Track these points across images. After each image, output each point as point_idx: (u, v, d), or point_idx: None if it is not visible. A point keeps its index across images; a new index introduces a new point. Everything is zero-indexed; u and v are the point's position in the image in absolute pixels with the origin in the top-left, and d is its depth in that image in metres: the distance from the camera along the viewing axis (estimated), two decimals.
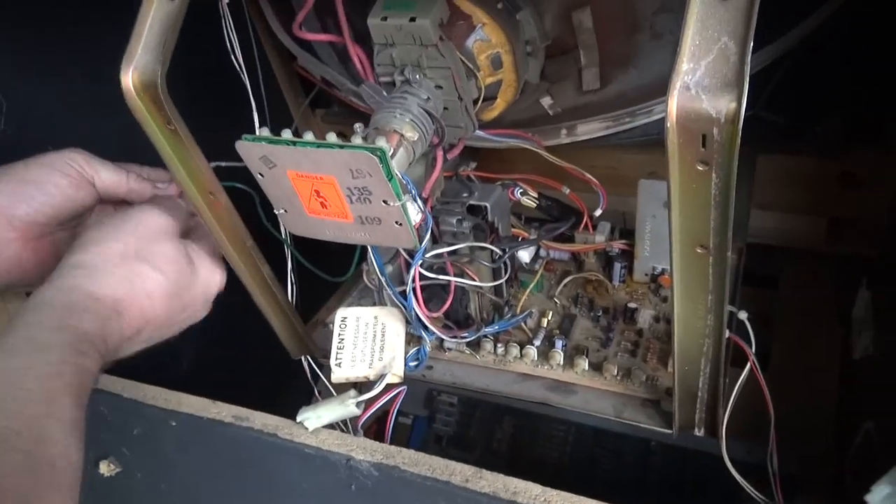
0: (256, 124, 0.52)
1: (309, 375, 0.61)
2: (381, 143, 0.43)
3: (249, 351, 0.71)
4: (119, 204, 0.56)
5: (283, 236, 0.55)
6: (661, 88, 0.59)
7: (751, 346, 0.49)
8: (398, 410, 1.04)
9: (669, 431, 0.50)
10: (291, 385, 0.71)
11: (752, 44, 0.30)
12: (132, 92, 0.41)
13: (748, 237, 0.70)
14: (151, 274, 0.48)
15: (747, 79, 0.30)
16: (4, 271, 0.51)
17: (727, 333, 0.50)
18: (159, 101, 0.42)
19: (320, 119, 0.90)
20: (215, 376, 0.77)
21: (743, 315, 0.52)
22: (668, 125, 0.32)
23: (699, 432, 0.49)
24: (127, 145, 0.49)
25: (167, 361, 0.76)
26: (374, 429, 1.02)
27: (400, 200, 0.44)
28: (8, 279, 0.52)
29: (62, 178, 0.52)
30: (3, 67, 0.57)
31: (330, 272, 0.59)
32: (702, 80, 0.31)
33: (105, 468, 0.61)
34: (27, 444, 0.36)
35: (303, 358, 0.61)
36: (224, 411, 0.53)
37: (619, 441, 0.87)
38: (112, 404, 0.56)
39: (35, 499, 0.35)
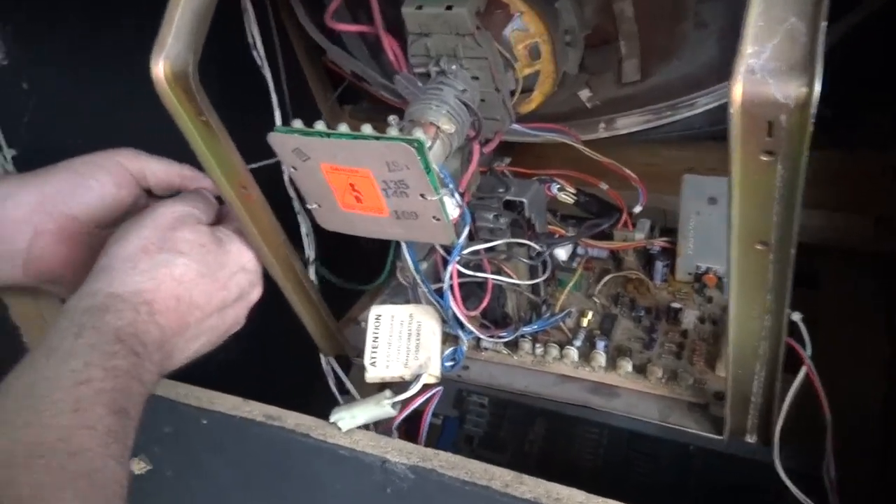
0: (277, 118, 0.51)
1: (341, 374, 0.59)
2: (419, 134, 0.41)
3: (282, 348, 0.69)
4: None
5: (306, 254, 0.54)
6: (705, 80, 0.57)
7: (805, 349, 0.47)
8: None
9: (720, 437, 0.47)
10: (324, 383, 0.70)
11: (825, 23, 0.28)
12: (163, 82, 0.40)
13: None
14: (175, 259, 0.46)
15: (821, 62, 0.28)
16: (34, 262, 0.50)
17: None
18: (191, 91, 0.40)
19: (348, 114, 0.89)
20: (247, 373, 0.76)
21: (796, 316, 0.49)
22: (732, 111, 0.30)
23: (751, 439, 0.46)
24: (162, 139, 0.48)
25: (199, 359, 0.75)
26: (404, 429, 1.01)
27: (438, 194, 0.43)
28: (36, 270, 0.51)
29: (105, 175, 0.51)
30: (32, 59, 0.56)
31: (358, 275, 0.58)
32: (768, 64, 0.29)
33: (136, 466, 0.60)
34: (60, 457, 0.35)
35: (331, 359, 0.59)
36: (256, 410, 0.52)
37: (656, 445, 0.84)
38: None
39: None
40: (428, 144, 0.45)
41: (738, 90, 0.29)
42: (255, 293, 0.51)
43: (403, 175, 0.42)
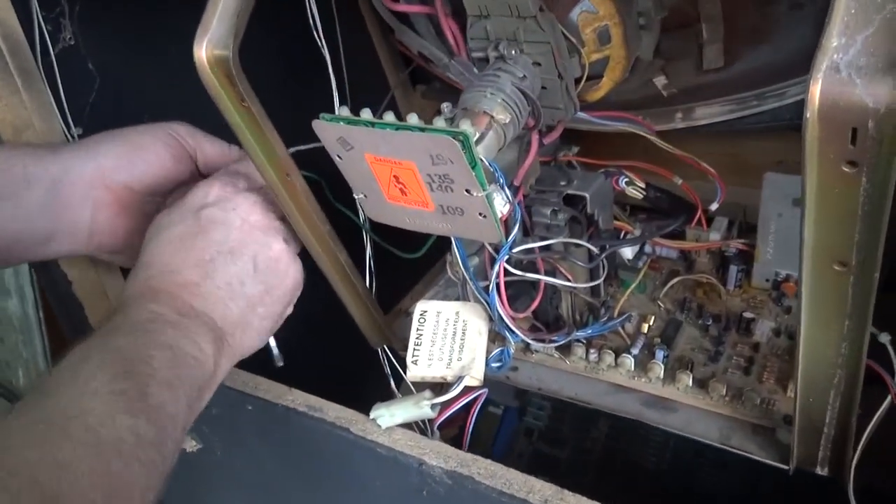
0: (336, 102, 0.49)
1: (387, 367, 0.58)
2: (466, 126, 0.38)
3: (337, 337, 0.69)
4: None
5: (362, 220, 0.52)
6: (797, 67, 0.51)
7: (893, 375, 0.42)
8: (487, 399, 1.02)
9: (785, 467, 0.43)
10: (378, 373, 0.69)
11: None
12: (206, 67, 0.39)
13: None
14: (216, 231, 0.45)
15: None
16: (96, 235, 0.51)
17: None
18: (232, 76, 0.39)
19: (420, 95, 0.87)
20: (302, 359, 0.76)
21: (885, 338, 0.44)
22: (808, 115, 0.26)
23: (821, 471, 0.42)
24: (223, 123, 0.48)
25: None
26: (463, 417, 0.99)
27: (484, 191, 0.40)
28: (99, 243, 0.52)
29: (164, 148, 0.51)
30: (98, 42, 0.57)
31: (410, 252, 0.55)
32: (856, 60, 0.25)
33: (187, 444, 0.61)
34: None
35: (379, 350, 0.58)
36: (299, 399, 0.52)
37: (724, 455, 0.79)
38: None
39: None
40: (476, 136, 0.42)
41: (816, 90, 0.25)
42: (294, 270, 0.49)
43: (448, 169, 0.40)
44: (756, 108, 0.57)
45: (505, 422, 0.97)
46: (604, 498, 0.41)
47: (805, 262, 0.31)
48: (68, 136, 0.56)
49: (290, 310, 0.51)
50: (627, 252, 0.58)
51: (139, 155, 0.51)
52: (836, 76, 0.25)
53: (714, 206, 0.56)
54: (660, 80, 0.56)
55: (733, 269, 0.55)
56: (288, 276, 0.48)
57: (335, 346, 0.73)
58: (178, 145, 0.52)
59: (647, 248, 0.59)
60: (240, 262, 0.46)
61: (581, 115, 0.52)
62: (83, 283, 0.59)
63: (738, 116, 0.58)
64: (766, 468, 0.45)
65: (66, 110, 0.56)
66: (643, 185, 0.55)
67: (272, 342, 0.53)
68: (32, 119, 0.54)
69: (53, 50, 0.54)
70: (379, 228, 0.51)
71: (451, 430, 0.96)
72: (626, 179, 0.55)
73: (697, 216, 0.57)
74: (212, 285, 0.45)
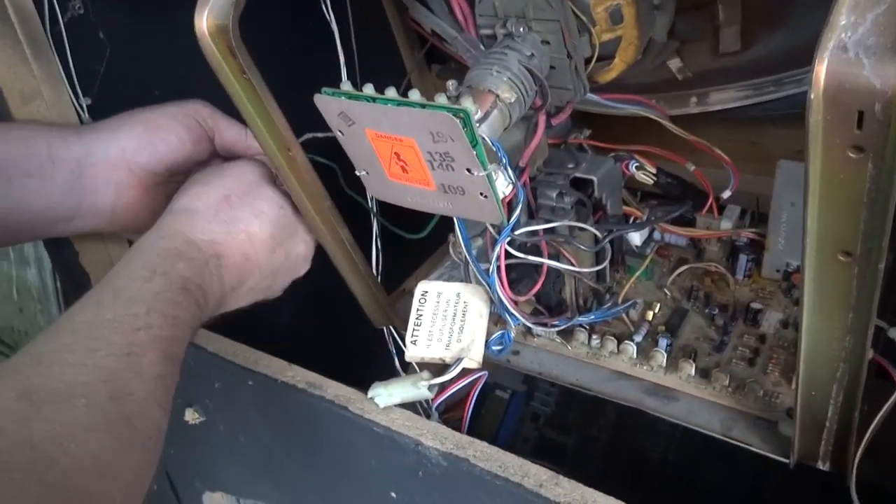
0: (344, 75, 0.49)
1: (392, 347, 0.57)
2: (467, 103, 0.38)
3: (344, 316, 0.69)
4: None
5: (369, 203, 0.52)
6: None
7: None
8: (495, 383, 1.02)
9: (786, 460, 0.42)
10: (385, 353, 0.69)
11: None
12: (206, 37, 0.38)
13: None
14: (252, 218, 0.47)
15: None
16: (119, 216, 0.52)
17: (870, 354, 0.42)
18: (233, 47, 0.39)
19: (436, 75, 0.86)
20: (310, 337, 0.77)
21: (894, 333, 0.43)
22: (813, 97, 0.25)
23: (823, 466, 0.41)
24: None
25: (264, 315, 0.76)
26: (468, 401, 0.99)
27: (485, 170, 0.39)
28: (121, 224, 0.52)
29: (184, 130, 0.52)
30: (107, 11, 0.57)
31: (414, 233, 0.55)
32: (865, 39, 0.24)
33: (190, 416, 0.61)
34: (103, 399, 0.35)
35: (384, 330, 0.58)
36: (299, 376, 0.52)
37: (731, 447, 0.78)
38: (197, 356, 0.56)
39: (109, 457, 0.34)
40: (478, 115, 0.41)
41: (822, 71, 0.24)
42: (304, 268, 0.51)
43: (448, 147, 0.39)
44: (773, 94, 0.55)
45: (511, 406, 0.97)
46: (609, 486, 0.41)
47: (808, 252, 0.30)
48: (76, 105, 0.56)
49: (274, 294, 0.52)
50: (636, 238, 0.56)
51: (160, 136, 0.51)
52: (843, 56, 0.24)
53: (726, 194, 0.55)
54: (674, 63, 0.54)
55: (743, 258, 0.53)
56: (296, 272, 0.50)
57: (343, 326, 0.73)
58: (198, 126, 0.52)
59: (656, 235, 0.58)
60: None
61: (591, 96, 0.51)
62: (90, 253, 0.59)
63: (755, 102, 0.57)
64: (772, 462, 0.45)
65: (75, 79, 0.56)
66: (654, 171, 0.54)
67: None
68: (41, 88, 0.54)
69: (63, 19, 0.54)
70: (385, 207, 0.51)
71: (458, 413, 0.96)
72: (636, 164, 0.54)
73: (709, 203, 0.56)
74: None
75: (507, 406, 0.97)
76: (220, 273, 0.45)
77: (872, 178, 0.26)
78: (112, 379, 0.36)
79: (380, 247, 0.54)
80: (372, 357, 0.60)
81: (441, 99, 0.39)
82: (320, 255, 0.53)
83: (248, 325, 0.55)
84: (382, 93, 0.40)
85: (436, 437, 0.45)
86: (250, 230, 0.46)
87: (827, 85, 0.24)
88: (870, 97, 0.24)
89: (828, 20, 0.24)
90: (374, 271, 0.55)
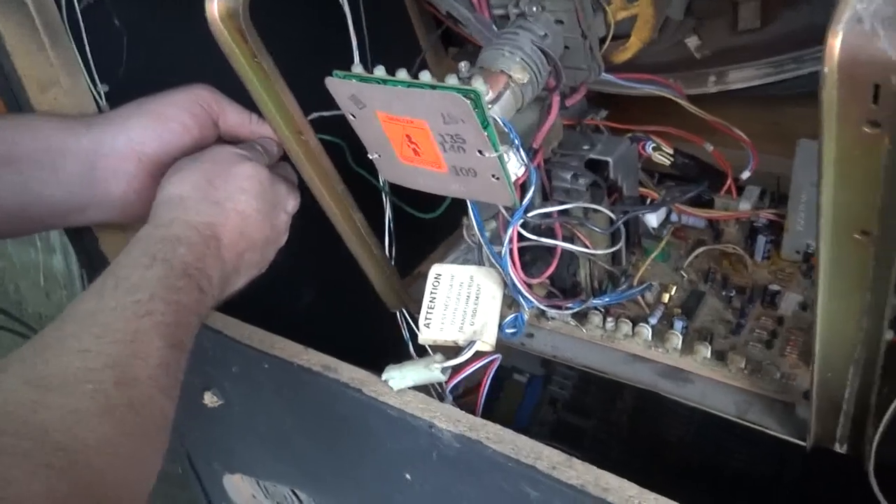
0: (356, 57, 0.49)
1: (405, 331, 0.58)
2: (478, 84, 0.37)
3: (360, 299, 0.69)
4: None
5: (381, 183, 0.52)
6: None
7: None
8: (513, 367, 1.02)
9: (802, 443, 0.42)
10: (399, 335, 0.69)
11: None
12: (217, 21, 0.39)
13: None
14: (238, 195, 0.47)
15: None
16: (130, 205, 0.52)
17: (890, 335, 0.41)
18: (243, 31, 0.39)
19: (452, 58, 0.85)
20: (326, 319, 0.77)
21: None
22: (827, 70, 0.24)
23: (840, 449, 0.41)
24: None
25: (286, 300, 0.77)
26: (483, 383, 0.99)
27: (496, 151, 0.39)
28: (133, 213, 0.53)
29: (190, 118, 0.52)
30: None
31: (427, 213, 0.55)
32: (882, 9, 0.23)
33: (209, 399, 0.62)
34: (109, 386, 0.36)
35: (398, 314, 0.58)
36: (314, 359, 0.52)
37: (752, 432, 0.78)
38: (214, 340, 0.56)
39: (115, 442, 0.35)
40: (492, 96, 0.41)
41: (836, 43, 0.23)
42: (285, 237, 0.52)
43: (459, 129, 0.39)
44: (794, 71, 0.54)
45: (529, 390, 0.97)
46: (627, 470, 0.41)
47: (823, 232, 0.29)
48: (94, 92, 0.57)
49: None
50: (653, 220, 0.56)
51: (167, 126, 0.52)
52: (858, 27, 0.23)
53: (746, 175, 0.54)
54: (692, 41, 0.53)
55: (762, 239, 0.53)
56: (279, 242, 0.51)
57: (359, 309, 0.73)
58: (203, 112, 0.53)
59: (673, 217, 0.57)
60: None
61: (607, 76, 0.50)
62: (109, 239, 0.60)
63: (775, 80, 0.56)
64: (792, 446, 0.44)
65: (93, 67, 0.56)
66: (671, 152, 0.53)
67: None
68: (59, 75, 0.55)
69: (79, 6, 0.54)
70: (398, 191, 0.51)
71: (475, 397, 0.96)
72: (653, 145, 0.53)
73: (727, 184, 0.55)
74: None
75: (524, 390, 0.97)
76: (221, 254, 0.46)
77: (889, 153, 0.25)
78: (117, 365, 0.36)
79: (392, 228, 0.54)
80: (387, 341, 0.61)
81: (452, 80, 0.38)
82: (335, 240, 0.54)
83: (267, 310, 0.56)
84: (394, 75, 0.40)
85: (449, 420, 0.46)
86: (239, 208, 0.47)
87: (841, 58, 0.23)
88: (886, 70, 0.23)
89: None
90: (388, 252, 0.56)
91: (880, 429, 0.39)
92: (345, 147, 0.52)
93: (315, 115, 0.49)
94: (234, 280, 0.48)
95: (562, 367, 0.97)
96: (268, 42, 0.44)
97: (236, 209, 0.47)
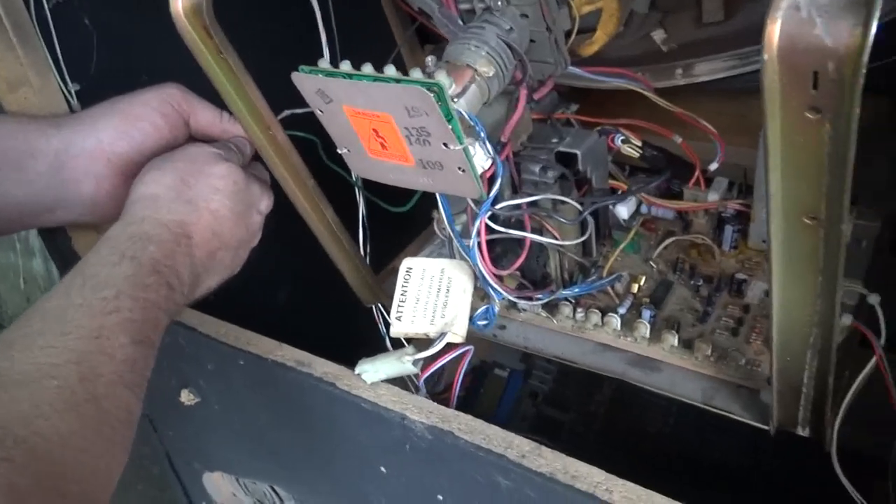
0: (326, 53, 0.49)
1: (381, 326, 0.58)
2: (441, 77, 0.38)
3: (336, 293, 0.70)
4: None
5: (354, 179, 0.52)
6: None
7: (879, 337, 0.41)
8: (494, 362, 1.02)
9: (766, 427, 0.43)
10: (375, 330, 0.69)
11: None
12: (181, 17, 0.39)
13: None
14: (212, 195, 0.47)
15: None
16: (101, 206, 0.52)
17: (849, 321, 0.42)
18: (208, 27, 0.39)
19: (427, 55, 0.85)
20: (303, 315, 0.77)
21: (874, 299, 0.43)
22: (767, 58, 0.25)
23: (803, 432, 0.41)
24: None
25: (264, 298, 0.77)
26: (469, 380, 1.00)
27: (461, 144, 0.39)
28: (103, 214, 0.53)
29: (160, 117, 0.52)
30: None
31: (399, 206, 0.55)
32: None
33: (185, 397, 0.62)
34: (73, 381, 0.36)
35: (374, 308, 0.58)
36: (288, 355, 0.52)
37: (727, 420, 0.79)
38: (189, 337, 0.56)
39: (78, 437, 0.35)
40: (455, 90, 0.42)
41: (775, 31, 0.24)
42: (258, 238, 0.52)
43: (424, 122, 0.39)
44: (758, 63, 0.55)
45: (510, 384, 0.98)
46: (605, 460, 0.41)
47: (773, 217, 0.30)
48: (65, 91, 0.57)
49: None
50: (623, 212, 0.57)
51: (136, 126, 0.52)
52: (795, 15, 0.24)
53: (713, 166, 0.55)
54: (658, 35, 0.54)
55: (729, 229, 0.53)
56: (252, 242, 0.51)
57: (335, 305, 0.74)
58: (173, 112, 0.53)
59: (643, 209, 0.58)
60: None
61: (575, 70, 0.51)
62: (83, 239, 0.60)
63: (741, 73, 0.56)
64: (767, 434, 0.45)
65: (63, 66, 0.56)
66: (639, 144, 0.54)
67: None
68: (28, 75, 0.54)
69: (48, 4, 0.54)
70: (373, 187, 0.51)
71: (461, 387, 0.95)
72: (622, 138, 0.54)
73: (696, 176, 0.56)
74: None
75: (505, 384, 0.98)
76: (192, 252, 0.46)
77: (831, 139, 0.26)
78: (81, 361, 0.37)
79: (366, 223, 0.55)
80: (364, 335, 0.61)
81: (416, 74, 0.39)
82: (310, 236, 0.54)
83: (244, 308, 0.56)
84: (359, 69, 0.40)
85: (421, 411, 0.46)
86: (212, 207, 0.47)
87: (781, 45, 0.24)
88: (823, 57, 0.24)
89: None
90: (362, 248, 0.56)
91: (840, 412, 0.40)
92: (318, 143, 0.52)
93: (288, 112, 0.50)
94: (206, 279, 0.48)
95: (542, 360, 0.98)
96: (241, 40, 0.44)
97: (209, 208, 0.47)
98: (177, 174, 0.47)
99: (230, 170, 0.48)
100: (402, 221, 0.57)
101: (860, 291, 0.44)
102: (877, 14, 0.22)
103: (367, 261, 0.56)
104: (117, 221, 0.46)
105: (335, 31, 0.56)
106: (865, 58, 0.23)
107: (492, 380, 0.98)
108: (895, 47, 0.64)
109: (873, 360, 0.39)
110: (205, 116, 0.53)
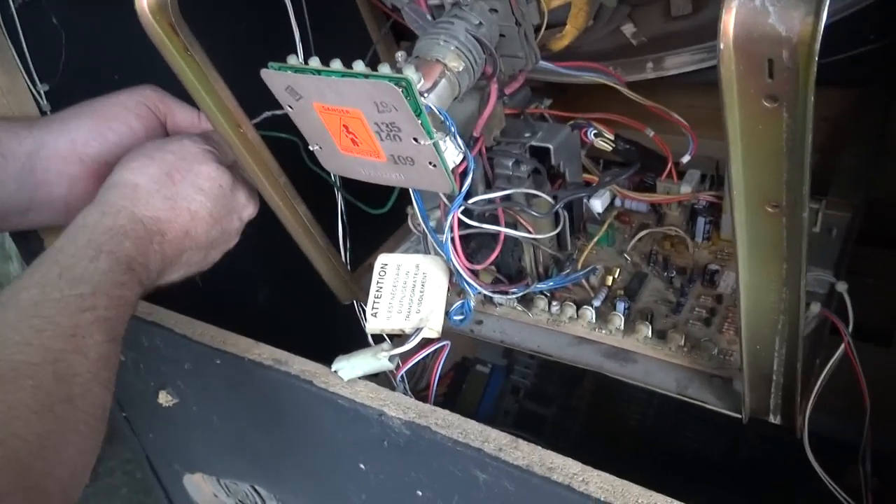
0: (299, 50, 0.49)
1: (363, 322, 0.58)
2: (409, 72, 0.38)
3: (314, 291, 0.69)
4: None
5: (333, 179, 0.52)
6: None
7: (847, 324, 0.42)
8: (476, 359, 1.02)
9: (738, 416, 0.43)
10: (354, 327, 0.69)
11: None
12: (147, 14, 0.38)
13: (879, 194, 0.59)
14: (194, 195, 0.47)
15: None
16: (74, 207, 0.52)
17: (818, 308, 0.43)
18: (174, 24, 0.39)
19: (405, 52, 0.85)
20: (282, 314, 0.77)
21: (842, 287, 0.44)
22: (723, 47, 0.25)
23: (774, 419, 0.42)
24: None
25: (242, 298, 0.76)
26: (452, 376, 1.00)
27: (431, 138, 0.39)
28: (75, 214, 0.52)
29: (135, 119, 0.52)
30: None
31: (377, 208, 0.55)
32: None
33: (163, 398, 0.62)
34: (49, 381, 0.36)
35: (355, 304, 0.58)
36: (265, 353, 0.52)
37: (707, 412, 0.79)
38: (165, 338, 0.56)
39: (55, 437, 0.35)
40: (425, 85, 0.42)
41: (730, 20, 0.24)
42: (235, 241, 0.52)
43: (394, 117, 0.39)
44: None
45: (492, 380, 0.98)
46: (587, 453, 0.41)
47: (736, 207, 0.30)
48: (34, 92, 0.56)
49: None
50: (597, 206, 0.57)
51: (110, 127, 0.51)
52: (750, 4, 0.24)
53: (685, 159, 0.55)
54: (627, 28, 0.54)
55: (701, 220, 0.54)
56: (228, 246, 0.51)
57: (314, 303, 0.74)
58: (149, 113, 0.52)
59: (618, 202, 0.58)
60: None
61: (546, 65, 0.51)
62: (55, 241, 0.59)
63: (711, 66, 0.57)
64: (747, 425, 0.45)
65: (31, 66, 0.55)
66: (612, 137, 0.54)
67: None
68: None
69: (14, 4, 0.54)
70: (349, 183, 0.51)
71: (440, 389, 0.96)
72: (594, 132, 0.54)
73: (668, 168, 0.56)
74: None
75: (487, 381, 0.98)
76: (163, 248, 0.46)
77: (789, 126, 0.26)
78: (57, 361, 0.36)
79: (345, 221, 0.55)
80: (345, 333, 0.61)
81: (384, 69, 0.39)
82: (287, 234, 0.54)
83: (223, 308, 0.56)
84: (328, 65, 0.40)
85: (398, 407, 0.46)
86: (192, 208, 0.47)
87: (736, 34, 0.24)
88: (777, 45, 0.24)
89: None
90: (342, 247, 0.56)
91: (811, 399, 0.40)
92: (298, 143, 0.52)
93: (268, 113, 0.49)
94: (170, 274, 0.47)
95: (523, 356, 0.99)
96: (216, 38, 0.44)
97: (189, 208, 0.47)
98: (164, 166, 0.47)
99: (219, 172, 0.48)
100: (379, 219, 0.57)
101: (830, 280, 0.45)
102: (827, 2, 0.22)
103: (346, 259, 0.56)
104: (92, 204, 0.45)
105: (309, 28, 0.56)
106: (817, 45, 0.23)
107: (474, 376, 0.98)
108: (860, 39, 0.65)
109: (842, 347, 0.40)
110: (183, 117, 0.53)
